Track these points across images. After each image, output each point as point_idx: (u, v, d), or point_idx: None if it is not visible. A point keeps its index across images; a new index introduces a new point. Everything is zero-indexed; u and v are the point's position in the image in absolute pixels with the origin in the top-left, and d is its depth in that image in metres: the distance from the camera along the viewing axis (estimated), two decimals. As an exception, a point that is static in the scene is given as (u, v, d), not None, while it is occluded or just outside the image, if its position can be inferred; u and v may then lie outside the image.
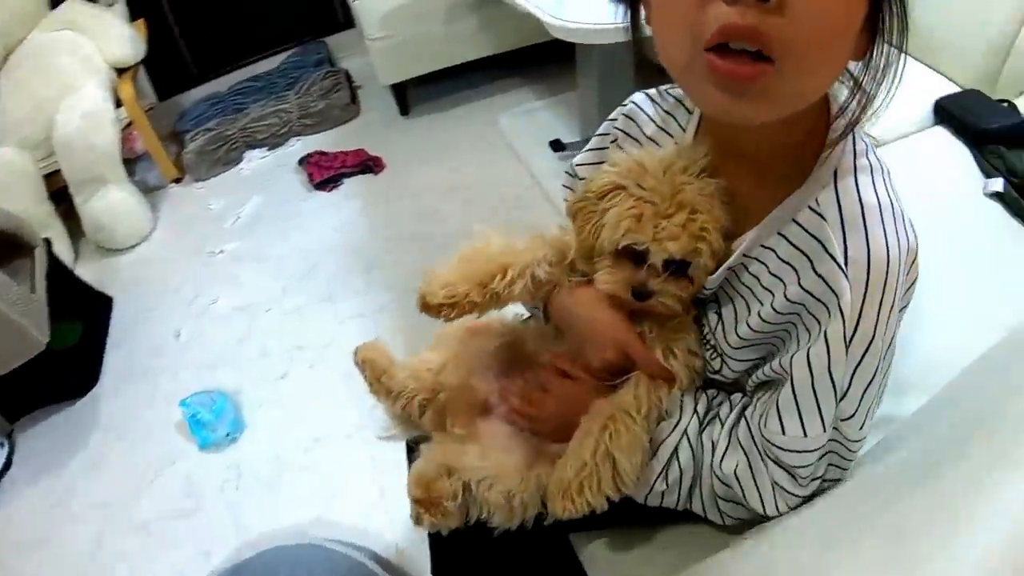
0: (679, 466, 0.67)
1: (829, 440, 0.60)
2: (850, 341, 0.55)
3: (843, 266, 0.54)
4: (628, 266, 0.65)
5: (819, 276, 0.56)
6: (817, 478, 0.63)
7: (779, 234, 0.60)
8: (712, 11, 0.47)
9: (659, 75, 0.60)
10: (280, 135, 2.57)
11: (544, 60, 2.47)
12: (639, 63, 0.65)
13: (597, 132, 0.79)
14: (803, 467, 0.61)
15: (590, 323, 0.70)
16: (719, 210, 0.61)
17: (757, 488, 0.63)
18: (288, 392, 1.72)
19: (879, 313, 0.54)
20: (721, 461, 0.66)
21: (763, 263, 0.62)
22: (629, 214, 0.62)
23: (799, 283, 0.58)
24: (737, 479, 0.64)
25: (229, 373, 1.78)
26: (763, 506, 0.64)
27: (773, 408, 0.61)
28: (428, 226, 2.08)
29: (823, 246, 0.56)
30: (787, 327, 0.61)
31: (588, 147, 0.80)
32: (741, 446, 0.65)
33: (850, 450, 0.62)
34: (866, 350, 0.55)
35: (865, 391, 0.57)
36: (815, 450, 0.60)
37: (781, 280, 0.60)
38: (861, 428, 0.60)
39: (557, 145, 2.15)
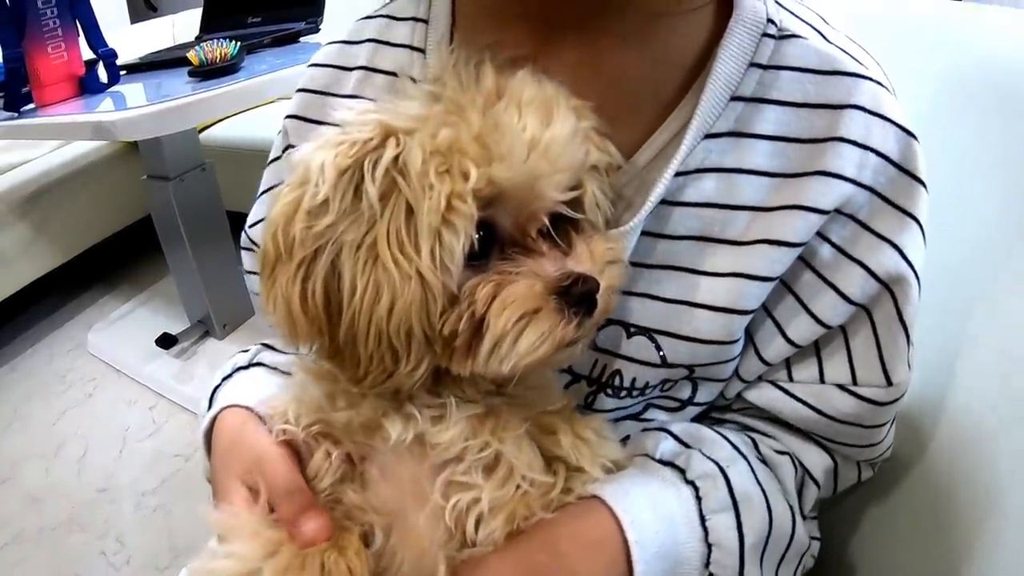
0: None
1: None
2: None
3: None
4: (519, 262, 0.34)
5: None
6: None
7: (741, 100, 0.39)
8: None
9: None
10: None
11: (123, 255, 2.14)
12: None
13: (269, 159, 0.54)
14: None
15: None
16: (564, 93, 0.36)
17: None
18: None
19: None
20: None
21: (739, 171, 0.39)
22: (448, 138, 0.32)
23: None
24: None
25: None
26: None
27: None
28: (37, 513, 1.54)
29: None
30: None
31: (261, 192, 0.54)
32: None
33: None
34: None
35: None
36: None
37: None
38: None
39: (166, 341, 1.82)
